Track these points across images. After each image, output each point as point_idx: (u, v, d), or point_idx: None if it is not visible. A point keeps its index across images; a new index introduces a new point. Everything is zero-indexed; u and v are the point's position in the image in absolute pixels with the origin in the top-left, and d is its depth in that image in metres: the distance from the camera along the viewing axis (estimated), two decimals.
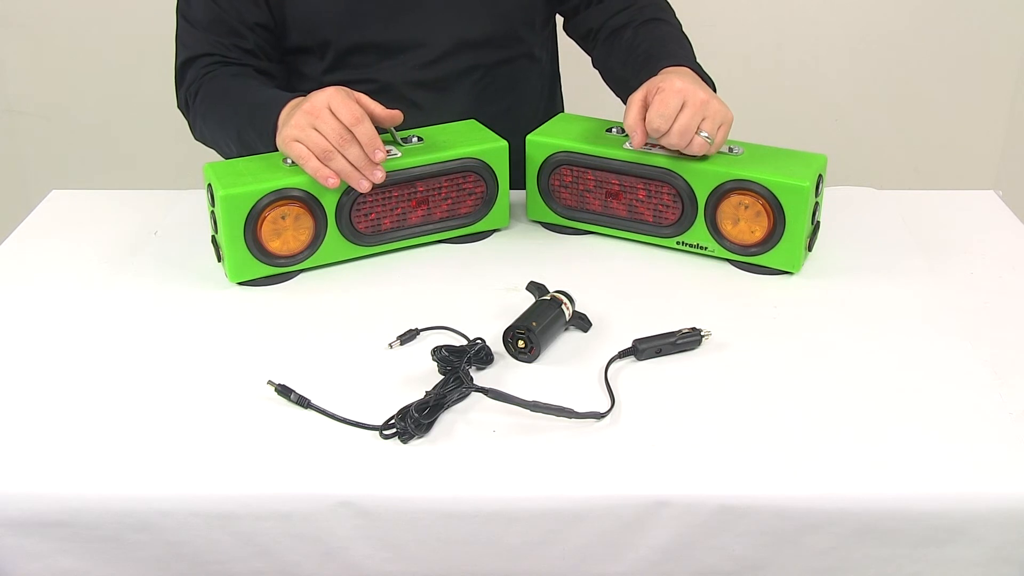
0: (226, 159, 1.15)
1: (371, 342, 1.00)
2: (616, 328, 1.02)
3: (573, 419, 0.88)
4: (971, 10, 2.23)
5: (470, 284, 1.11)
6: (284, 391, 0.91)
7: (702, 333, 0.99)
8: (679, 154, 1.12)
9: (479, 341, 0.97)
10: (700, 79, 1.16)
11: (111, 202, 1.32)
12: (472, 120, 1.24)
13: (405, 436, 0.86)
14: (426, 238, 1.19)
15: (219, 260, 1.12)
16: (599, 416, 0.88)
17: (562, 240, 1.22)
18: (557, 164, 1.19)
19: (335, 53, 1.28)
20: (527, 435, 0.87)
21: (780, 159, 1.12)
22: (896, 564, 0.82)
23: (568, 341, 1.01)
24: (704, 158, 1.12)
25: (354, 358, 0.98)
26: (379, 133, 1.10)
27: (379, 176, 1.09)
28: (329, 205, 1.11)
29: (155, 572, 0.83)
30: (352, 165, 1.07)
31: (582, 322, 1.02)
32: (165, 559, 0.83)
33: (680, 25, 1.33)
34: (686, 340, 0.98)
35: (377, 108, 1.11)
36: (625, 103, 1.16)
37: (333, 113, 1.06)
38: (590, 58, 1.39)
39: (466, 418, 0.89)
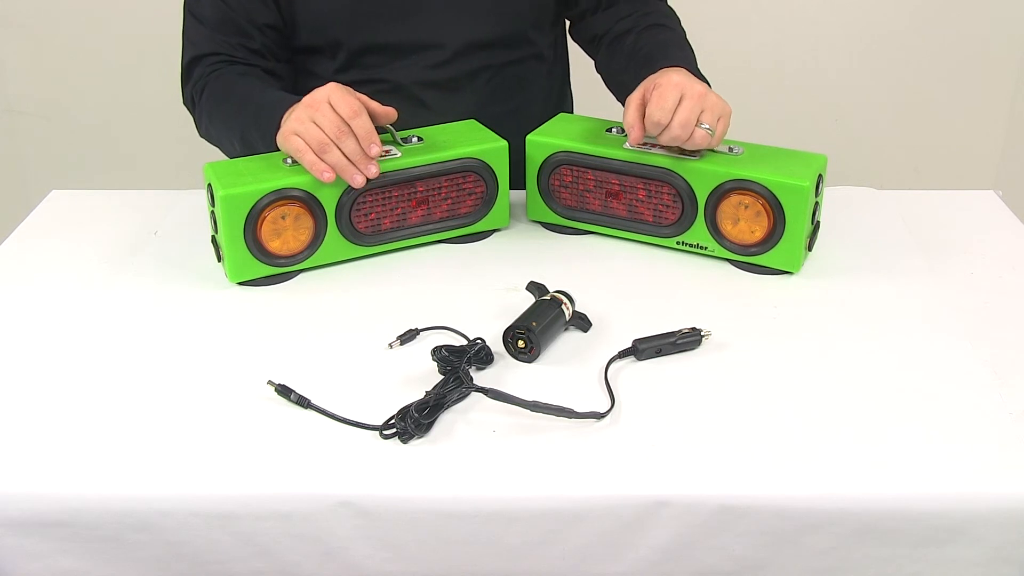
0: (230, 158, 1.15)
1: (371, 342, 1.00)
2: (616, 328, 1.02)
3: (573, 419, 0.88)
4: (971, 10, 2.23)
5: (470, 284, 1.11)
6: (284, 391, 0.91)
7: (702, 333, 0.99)
8: (679, 153, 1.12)
9: (479, 341, 0.97)
10: (696, 76, 1.16)
11: (111, 202, 1.32)
12: (472, 120, 1.24)
13: (405, 436, 0.86)
14: (426, 238, 1.19)
15: (219, 260, 1.12)
16: (599, 416, 0.88)
17: (562, 240, 1.22)
18: (557, 164, 1.19)
19: (347, 53, 1.28)
20: (527, 435, 0.87)
21: (780, 159, 1.12)
22: (896, 564, 0.82)
23: (568, 341, 1.01)
24: (704, 157, 1.12)
25: (354, 358, 0.98)
26: (379, 133, 1.10)
27: (373, 171, 1.09)
28: (329, 205, 1.11)
29: (155, 572, 0.83)
30: (347, 159, 1.07)
31: (582, 322, 1.02)
32: (165, 559, 0.83)
33: (684, 33, 1.33)
34: (686, 340, 0.98)
35: (373, 104, 1.12)
36: (624, 105, 1.16)
37: (332, 107, 1.07)
38: (594, 63, 1.39)
39: (466, 418, 0.89)
